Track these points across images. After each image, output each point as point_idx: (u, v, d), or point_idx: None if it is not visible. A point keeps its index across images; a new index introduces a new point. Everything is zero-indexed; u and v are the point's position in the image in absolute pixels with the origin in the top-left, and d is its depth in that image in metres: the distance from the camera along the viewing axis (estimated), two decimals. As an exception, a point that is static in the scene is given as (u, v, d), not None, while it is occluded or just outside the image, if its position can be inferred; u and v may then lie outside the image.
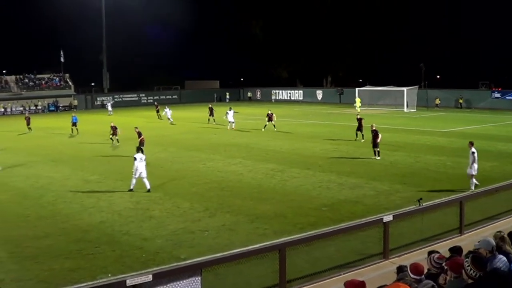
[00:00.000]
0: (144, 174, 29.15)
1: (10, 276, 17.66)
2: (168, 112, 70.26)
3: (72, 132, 58.35)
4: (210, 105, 70.33)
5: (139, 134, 43.19)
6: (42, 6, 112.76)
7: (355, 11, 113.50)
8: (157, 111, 77.11)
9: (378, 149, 38.25)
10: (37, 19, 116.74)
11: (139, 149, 30.25)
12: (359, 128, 47.68)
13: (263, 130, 56.61)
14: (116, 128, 49.30)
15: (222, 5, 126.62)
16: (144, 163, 29.24)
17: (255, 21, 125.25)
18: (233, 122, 59.69)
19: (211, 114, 67.07)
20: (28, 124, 61.91)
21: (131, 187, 29.20)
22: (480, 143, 39.06)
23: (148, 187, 29.10)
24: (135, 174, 29.13)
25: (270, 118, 57.36)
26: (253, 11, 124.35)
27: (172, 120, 68.42)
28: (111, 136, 49.38)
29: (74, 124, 58.84)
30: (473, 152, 28.16)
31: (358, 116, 49.52)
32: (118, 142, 49.20)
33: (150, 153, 37.32)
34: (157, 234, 21.68)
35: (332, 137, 50.71)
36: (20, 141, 53.76)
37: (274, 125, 56.85)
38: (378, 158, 37.91)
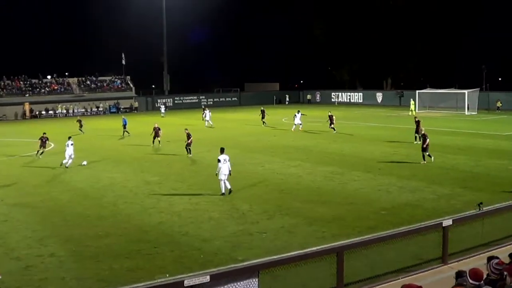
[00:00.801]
0: (225, 177, 28.80)
1: (71, 275, 18.04)
2: (207, 114, 70.21)
3: (128, 133, 59.14)
4: (262, 108, 70.39)
5: (188, 136, 43.65)
6: (104, 10, 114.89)
7: (416, 14, 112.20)
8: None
9: (427, 153, 37.51)
10: (99, 22, 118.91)
11: (222, 150, 29.34)
12: (417, 130, 47.24)
13: (334, 132, 56.24)
14: (159, 129, 49.85)
15: (282, 7, 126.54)
16: (228, 164, 28.67)
17: (315, 22, 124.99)
18: (300, 124, 59.94)
19: (263, 116, 67.28)
20: (80, 126, 62.61)
21: (222, 190, 28.79)
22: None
23: (223, 190, 28.82)
24: (221, 177, 28.69)
25: (330, 120, 57.10)
26: (314, 12, 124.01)
27: (211, 123, 68.35)
28: (154, 138, 49.93)
29: (124, 126, 59.68)
30: None
31: (417, 119, 49.07)
32: (159, 143, 49.84)
33: (213, 156, 37.21)
34: (216, 235, 21.83)
35: (392, 140, 50.27)
36: (77, 141, 54.07)
37: (333, 128, 56.62)
38: (424, 162, 37.23)
